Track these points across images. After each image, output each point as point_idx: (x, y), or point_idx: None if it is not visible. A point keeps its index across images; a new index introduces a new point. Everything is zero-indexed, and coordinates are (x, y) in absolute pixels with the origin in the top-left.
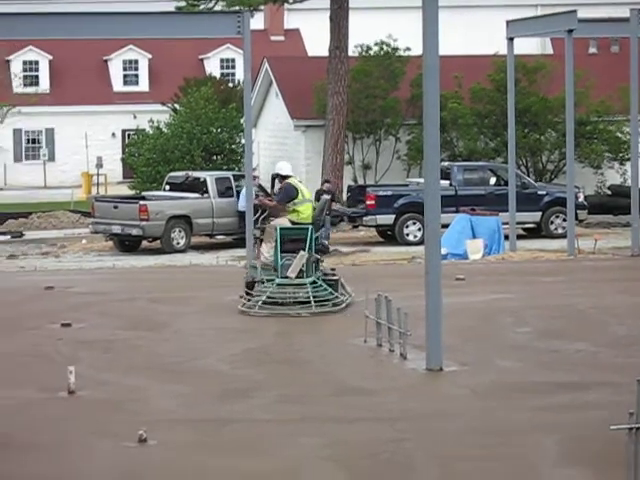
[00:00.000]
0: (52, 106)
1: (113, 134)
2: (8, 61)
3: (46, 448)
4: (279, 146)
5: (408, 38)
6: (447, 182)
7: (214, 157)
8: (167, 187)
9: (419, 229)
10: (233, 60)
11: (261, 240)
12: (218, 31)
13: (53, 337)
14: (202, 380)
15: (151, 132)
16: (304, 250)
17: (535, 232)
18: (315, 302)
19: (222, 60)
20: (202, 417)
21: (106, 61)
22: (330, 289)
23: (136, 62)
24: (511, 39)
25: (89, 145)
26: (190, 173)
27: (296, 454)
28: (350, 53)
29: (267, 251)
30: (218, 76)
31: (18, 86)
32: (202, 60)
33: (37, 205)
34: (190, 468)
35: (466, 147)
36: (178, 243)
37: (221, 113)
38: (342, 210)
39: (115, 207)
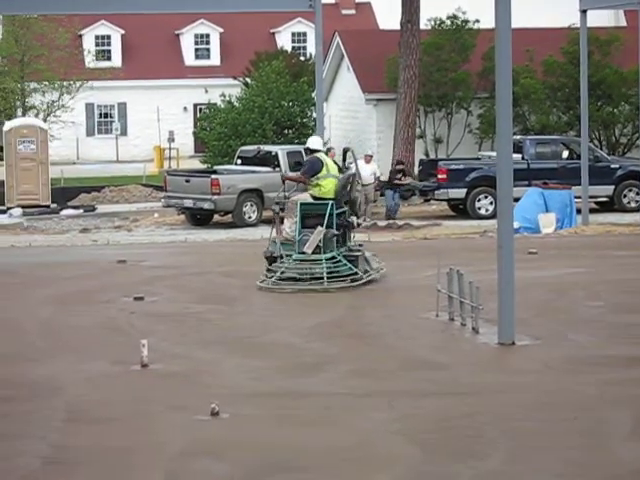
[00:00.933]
0: (124, 80)
1: (185, 108)
2: (80, 36)
3: (119, 421)
4: (350, 120)
5: (479, 11)
6: (519, 156)
7: (285, 131)
8: (239, 161)
9: (491, 203)
10: (304, 34)
11: (278, 215)
12: (290, 5)
13: (126, 310)
14: (274, 354)
15: (222, 106)
16: (321, 226)
17: (608, 206)
18: (334, 278)
19: (293, 34)
20: (274, 391)
21: (178, 35)
22: (349, 265)
23: (207, 36)
24: (584, 11)
25: (161, 119)
26: (261, 147)
27: (366, 428)
28: (422, 26)
29: (289, 226)
30: (289, 50)
31: (90, 61)
32: (273, 34)
33: (109, 179)
34: (262, 441)
35: (538, 121)
36: (250, 217)
37: (292, 87)
38: (413, 184)
39: (187, 181)
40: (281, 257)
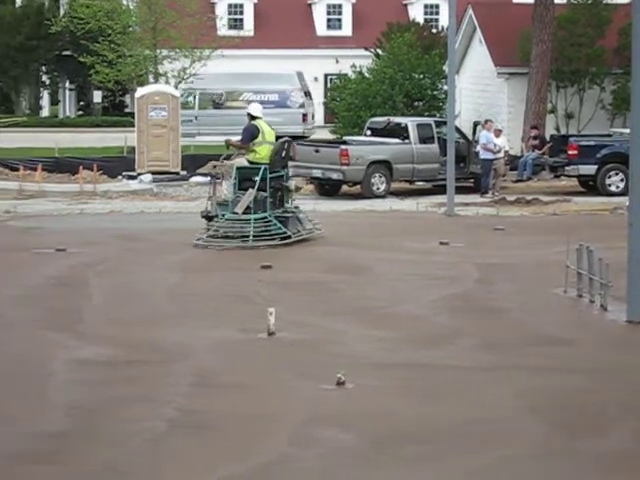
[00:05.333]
0: (255, 49)
1: (315, 78)
2: (213, 4)
3: (245, 388)
4: (481, 93)
5: None
6: None
7: (416, 103)
8: (368, 132)
9: (622, 180)
10: (437, 6)
11: (216, 177)
12: None
13: (253, 278)
14: (401, 325)
15: (353, 77)
16: (252, 188)
17: None
18: (264, 236)
19: (426, 6)
20: (399, 362)
21: (310, 5)
22: (280, 225)
23: (340, 6)
24: None
25: None
26: (391, 118)
27: (491, 402)
28: (557, 0)
29: (226, 188)
30: (421, 22)
31: (222, 28)
32: (406, 5)
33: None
34: (387, 412)
35: None
36: (378, 188)
37: (424, 59)
38: (543, 159)
39: (316, 151)
40: (217, 216)
